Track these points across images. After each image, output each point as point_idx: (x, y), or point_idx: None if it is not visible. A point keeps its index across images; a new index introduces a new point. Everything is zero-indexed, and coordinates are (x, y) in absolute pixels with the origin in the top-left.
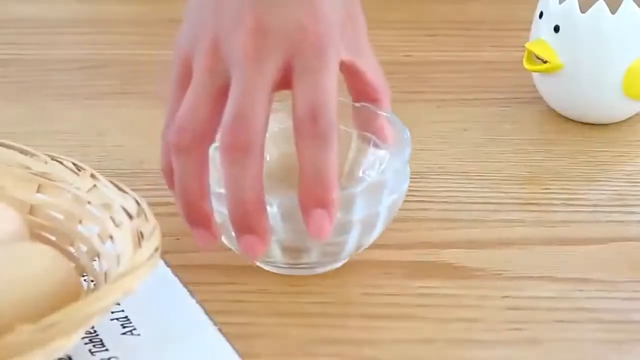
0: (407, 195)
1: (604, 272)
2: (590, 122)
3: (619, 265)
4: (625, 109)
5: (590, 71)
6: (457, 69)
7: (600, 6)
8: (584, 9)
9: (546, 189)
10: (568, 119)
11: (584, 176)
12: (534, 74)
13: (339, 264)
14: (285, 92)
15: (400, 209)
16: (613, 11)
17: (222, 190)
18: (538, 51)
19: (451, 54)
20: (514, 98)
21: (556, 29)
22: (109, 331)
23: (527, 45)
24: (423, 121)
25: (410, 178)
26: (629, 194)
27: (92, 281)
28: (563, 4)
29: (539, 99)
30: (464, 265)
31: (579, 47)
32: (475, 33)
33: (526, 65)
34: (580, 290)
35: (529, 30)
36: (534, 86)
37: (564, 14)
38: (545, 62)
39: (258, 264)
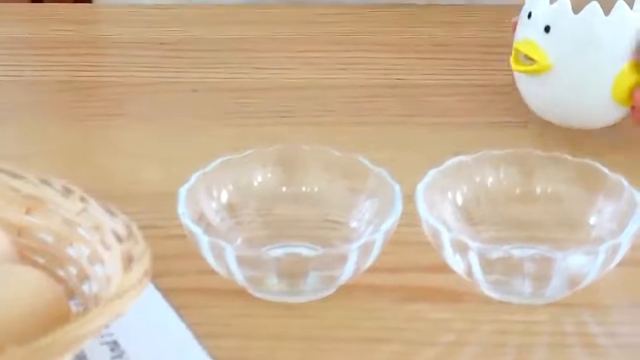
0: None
1: (595, 296)
2: (574, 126)
3: (610, 288)
4: (611, 114)
5: (580, 74)
6: (448, 92)
7: (594, 7)
8: (576, 9)
9: (542, 209)
10: (560, 145)
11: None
12: (518, 76)
13: (332, 290)
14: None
15: (390, 233)
16: (606, 13)
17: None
18: (527, 51)
19: (442, 77)
20: (505, 122)
21: (547, 29)
22: (98, 356)
23: (515, 44)
24: (414, 144)
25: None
26: None
27: (81, 304)
28: (555, 4)
29: (529, 122)
30: (454, 289)
31: (570, 49)
32: (466, 56)
33: (514, 66)
34: (572, 314)
35: None
36: (525, 109)
37: (555, 14)
38: (533, 62)
39: (252, 292)
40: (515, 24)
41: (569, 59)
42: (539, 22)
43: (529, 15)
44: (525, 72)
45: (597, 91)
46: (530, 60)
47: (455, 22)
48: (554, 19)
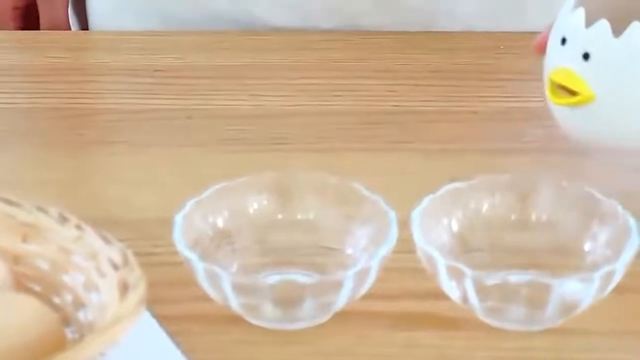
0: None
1: (591, 322)
2: (625, 153)
3: (606, 315)
4: None
5: (627, 101)
6: (444, 118)
7: (635, 28)
8: (616, 32)
9: (538, 235)
10: (555, 171)
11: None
12: (556, 109)
13: (327, 317)
14: None
15: (386, 259)
16: None
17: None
18: (565, 82)
19: (438, 103)
20: (500, 148)
21: (586, 56)
22: None
23: (551, 75)
24: (410, 170)
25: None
26: None
27: (77, 332)
28: (591, 27)
29: (523, 150)
30: (450, 315)
31: (614, 75)
32: (462, 83)
33: (552, 99)
34: (568, 341)
35: (512, 80)
36: (519, 136)
37: (594, 39)
38: (573, 93)
39: (248, 319)
40: (541, 46)
41: (613, 86)
42: (576, 48)
43: (563, 42)
44: (567, 105)
45: None
46: (568, 90)
47: (451, 48)
48: (593, 45)
